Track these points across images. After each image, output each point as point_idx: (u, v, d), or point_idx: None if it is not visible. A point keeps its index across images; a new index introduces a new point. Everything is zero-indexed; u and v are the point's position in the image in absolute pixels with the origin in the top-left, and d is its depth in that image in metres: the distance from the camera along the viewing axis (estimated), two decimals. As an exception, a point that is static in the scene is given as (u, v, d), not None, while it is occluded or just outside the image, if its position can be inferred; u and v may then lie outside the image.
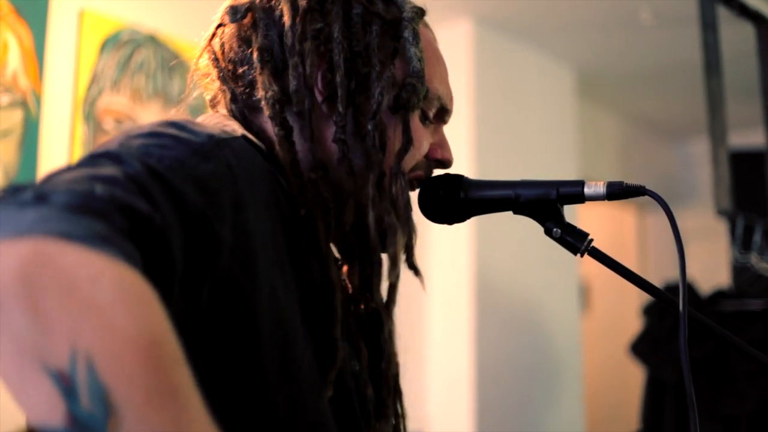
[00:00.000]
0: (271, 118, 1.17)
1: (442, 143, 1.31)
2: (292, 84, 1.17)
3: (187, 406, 0.73)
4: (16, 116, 2.74)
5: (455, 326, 3.83)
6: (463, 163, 3.82)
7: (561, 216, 1.25)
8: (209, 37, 1.26)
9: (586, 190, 1.24)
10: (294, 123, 1.18)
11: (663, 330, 3.63)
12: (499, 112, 4.12)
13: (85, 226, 0.75)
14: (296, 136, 1.17)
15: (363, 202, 1.19)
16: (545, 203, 1.25)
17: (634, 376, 4.38)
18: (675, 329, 3.63)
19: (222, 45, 1.24)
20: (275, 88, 1.18)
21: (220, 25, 1.25)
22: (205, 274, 0.91)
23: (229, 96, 1.22)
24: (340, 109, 1.18)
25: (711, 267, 4.61)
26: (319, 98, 1.19)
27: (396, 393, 1.29)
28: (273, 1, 1.22)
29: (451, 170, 1.32)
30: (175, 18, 3.20)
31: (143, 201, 0.83)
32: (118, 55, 3.04)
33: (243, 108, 1.21)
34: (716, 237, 4.17)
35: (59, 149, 2.86)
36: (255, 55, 1.20)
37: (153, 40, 3.14)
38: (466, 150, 3.89)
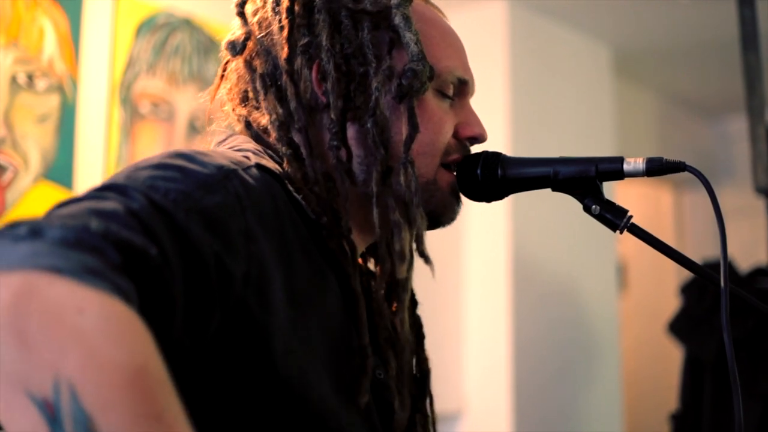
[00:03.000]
0: (278, 140, 1.18)
1: (469, 119, 1.29)
2: (292, 104, 1.19)
3: (174, 429, 0.75)
4: (53, 101, 2.76)
5: (492, 305, 3.82)
6: (500, 143, 3.80)
7: (600, 193, 1.24)
8: (220, 74, 1.30)
9: (626, 167, 1.23)
10: (299, 141, 1.18)
11: (701, 309, 3.61)
12: (535, 91, 4.10)
13: (75, 261, 0.77)
14: (303, 153, 1.18)
15: (369, 202, 1.19)
16: (584, 180, 1.24)
17: (672, 356, 4.36)
18: (713, 308, 3.62)
19: (234, 76, 1.28)
20: (280, 110, 1.19)
21: (228, 61, 1.29)
22: (213, 306, 0.92)
23: (243, 124, 1.25)
24: (333, 115, 1.18)
25: (749, 245, 4.57)
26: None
27: (423, 395, 1.28)
28: (266, 23, 1.24)
29: (489, 148, 1.31)
30: (210, 1, 3.20)
31: (140, 236, 0.84)
32: (153, 38, 3.05)
33: (257, 132, 1.24)
34: (754, 214, 4.12)
35: (96, 133, 2.88)
36: (258, 82, 1.22)
37: (188, 24, 3.15)
38: (503, 130, 3.88)
